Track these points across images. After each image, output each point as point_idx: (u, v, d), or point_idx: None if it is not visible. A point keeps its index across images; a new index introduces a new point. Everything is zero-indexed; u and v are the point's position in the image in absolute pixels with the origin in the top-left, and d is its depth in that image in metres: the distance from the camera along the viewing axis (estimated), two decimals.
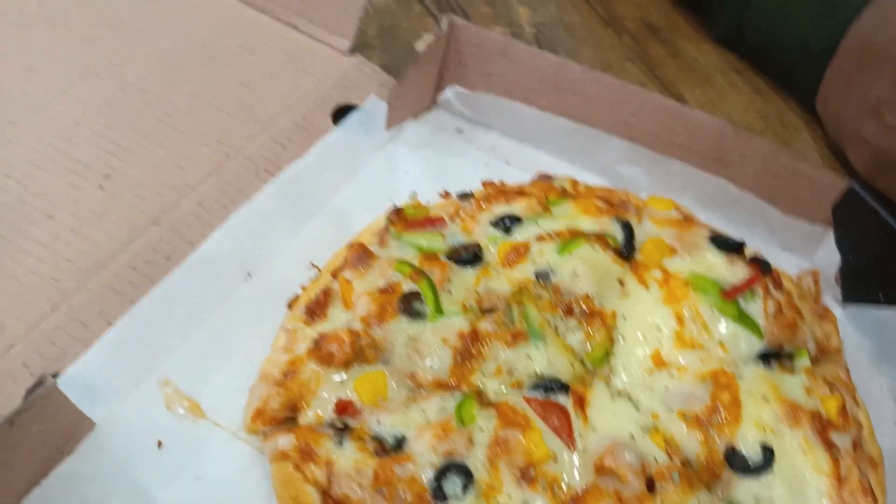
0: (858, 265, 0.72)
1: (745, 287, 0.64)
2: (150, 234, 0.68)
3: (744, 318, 0.63)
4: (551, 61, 0.80)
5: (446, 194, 0.78)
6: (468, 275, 0.65)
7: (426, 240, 0.67)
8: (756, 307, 0.64)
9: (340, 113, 0.83)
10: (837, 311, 0.73)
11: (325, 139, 0.79)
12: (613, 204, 0.74)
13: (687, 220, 0.74)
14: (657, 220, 0.73)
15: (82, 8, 0.88)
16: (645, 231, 0.72)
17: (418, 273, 0.63)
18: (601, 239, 0.68)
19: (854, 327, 0.72)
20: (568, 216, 0.71)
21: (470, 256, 0.66)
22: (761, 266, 0.68)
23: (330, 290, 0.64)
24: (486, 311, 0.61)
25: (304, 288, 0.68)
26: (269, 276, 0.68)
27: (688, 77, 1.03)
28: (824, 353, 0.68)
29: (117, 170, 0.73)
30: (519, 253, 0.67)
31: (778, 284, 0.69)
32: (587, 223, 0.70)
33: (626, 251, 0.68)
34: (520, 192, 0.74)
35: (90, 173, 0.72)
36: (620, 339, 0.63)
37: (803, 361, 0.63)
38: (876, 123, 0.77)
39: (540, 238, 0.69)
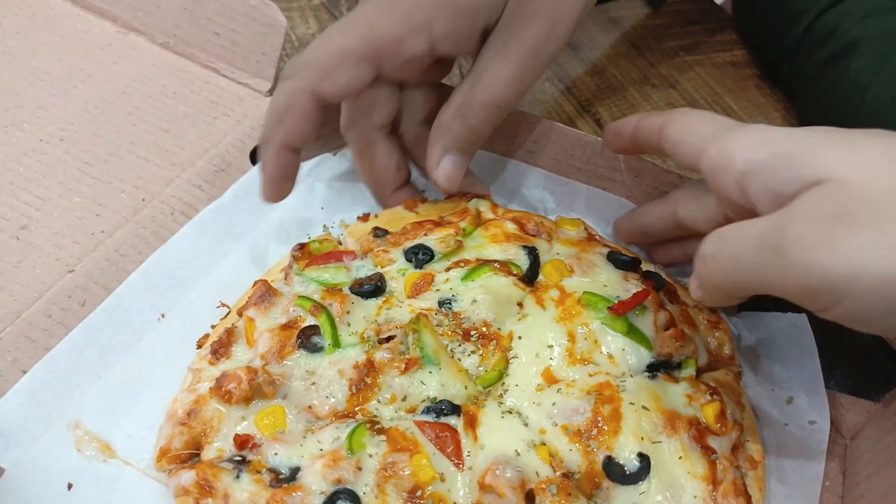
0: None
1: (633, 303, 0.67)
2: (65, 282, 0.71)
3: (633, 332, 0.66)
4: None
5: (365, 216, 0.81)
6: (370, 306, 0.68)
7: (330, 274, 0.70)
8: (646, 321, 0.67)
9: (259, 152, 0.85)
10: (734, 319, 0.76)
11: (242, 179, 0.82)
12: (526, 229, 0.76)
13: (590, 239, 0.77)
14: (563, 241, 0.76)
15: (7, 61, 0.91)
16: (554, 253, 0.75)
17: (318, 307, 0.65)
18: (505, 267, 0.71)
19: (750, 332, 0.75)
20: (478, 247, 0.73)
21: (372, 288, 0.68)
22: (655, 281, 0.72)
23: (234, 328, 0.67)
24: (383, 341, 0.64)
25: (213, 327, 0.71)
26: (183, 316, 0.71)
27: (604, 94, 1.07)
28: (718, 361, 0.71)
29: (35, 220, 0.76)
30: (426, 282, 0.70)
31: (673, 297, 0.73)
32: (495, 252, 0.73)
33: (529, 277, 0.71)
34: (438, 224, 0.76)
35: (7, 225, 0.75)
36: (515, 358, 0.66)
37: (688, 371, 0.66)
38: None
39: (447, 268, 0.72)
